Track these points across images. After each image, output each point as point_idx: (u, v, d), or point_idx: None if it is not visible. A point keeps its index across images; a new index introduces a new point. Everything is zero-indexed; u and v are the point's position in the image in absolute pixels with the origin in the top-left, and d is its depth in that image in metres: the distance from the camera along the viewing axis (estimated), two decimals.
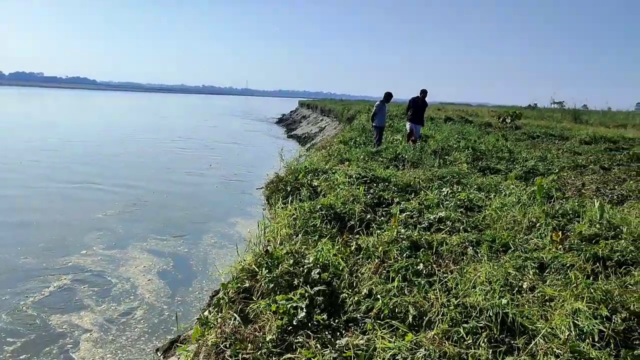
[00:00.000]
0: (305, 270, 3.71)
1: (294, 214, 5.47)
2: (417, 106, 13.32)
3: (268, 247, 4.23)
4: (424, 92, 13.43)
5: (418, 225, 5.54)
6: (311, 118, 57.32)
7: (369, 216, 5.81)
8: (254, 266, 3.90)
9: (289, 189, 7.96)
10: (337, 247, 4.47)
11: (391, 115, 25.18)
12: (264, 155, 25.64)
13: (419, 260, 4.26)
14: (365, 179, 7.83)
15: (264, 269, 3.84)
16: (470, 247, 4.92)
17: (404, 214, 5.89)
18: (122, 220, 12.07)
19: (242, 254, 4.50)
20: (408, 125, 13.54)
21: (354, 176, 7.76)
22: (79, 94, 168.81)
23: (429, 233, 5.24)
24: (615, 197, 7.93)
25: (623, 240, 4.93)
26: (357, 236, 4.95)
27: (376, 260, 4.18)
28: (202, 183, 17.48)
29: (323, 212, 5.58)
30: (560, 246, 4.99)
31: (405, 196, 6.98)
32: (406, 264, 4.14)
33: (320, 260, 3.91)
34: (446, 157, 11.06)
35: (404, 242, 4.69)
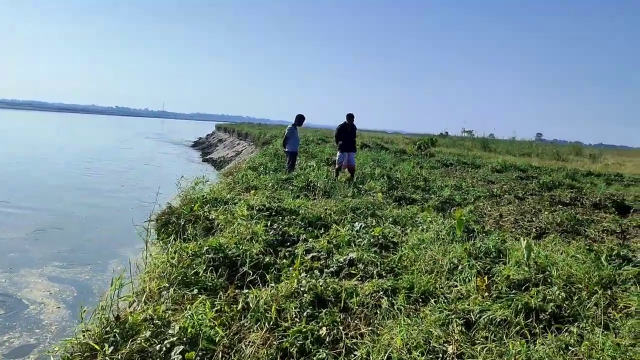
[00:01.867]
0: (165, 349, 2.67)
1: (172, 259, 4.39)
2: (347, 132, 11.98)
3: (120, 313, 3.14)
4: (350, 117, 12.11)
5: (325, 270, 4.66)
6: (228, 142, 55.84)
7: (267, 259, 4.86)
8: (93, 343, 2.81)
9: (182, 222, 6.86)
10: (219, 306, 3.47)
11: (306, 140, 24.58)
12: (172, 179, 23.88)
13: (322, 322, 3.34)
14: (270, 211, 6.89)
15: (108, 345, 2.76)
16: (385, 298, 4.10)
17: (310, 255, 5.00)
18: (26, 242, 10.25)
19: (94, 317, 3.37)
20: (339, 155, 11.95)
21: (256, 208, 6.79)
22: None
23: (337, 280, 4.37)
24: (533, 230, 7.55)
25: (555, 287, 4.33)
26: (247, 290, 3.95)
27: (266, 325, 3.22)
28: (107, 206, 15.59)
29: (210, 256, 4.55)
30: (486, 294, 4.31)
31: (314, 232, 6.11)
32: (305, 329, 3.21)
33: (190, 330, 2.89)
34: (361, 185, 10.40)
35: (305, 295, 3.77)
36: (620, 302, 4.32)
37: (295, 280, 3.95)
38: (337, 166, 11.84)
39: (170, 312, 3.22)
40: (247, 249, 4.95)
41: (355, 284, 4.32)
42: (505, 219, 8.33)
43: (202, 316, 3.10)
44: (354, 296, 3.99)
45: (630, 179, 17.86)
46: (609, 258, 5.75)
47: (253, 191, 8.76)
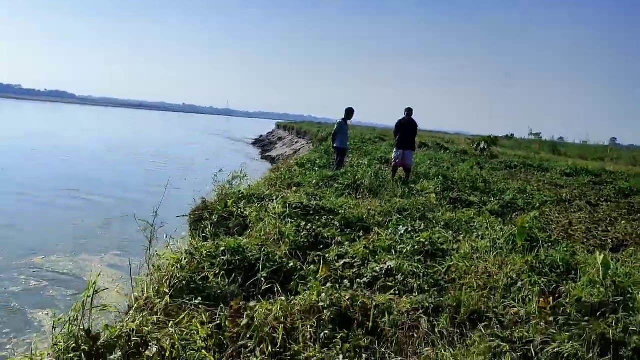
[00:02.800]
0: None
1: (183, 259, 3.89)
2: (404, 128, 11.00)
3: (92, 327, 2.64)
4: (409, 111, 11.09)
5: (357, 280, 4.02)
6: (287, 140, 55.92)
7: (292, 264, 4.26)
8: None
9: (215, 218, 6.41)
10: (220, 320, 2.91)
11: (362, 138, 23.90)
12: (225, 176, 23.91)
13: (339, 348, 2.72)
14: (307, 209, 6.31)
15: None
16: (425, 318, 3.42)
17: (342, 262, 4.37)
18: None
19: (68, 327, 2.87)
20: (395, 153, 11.01)
21: (292, 205, 6.24)
22: (56, 107, 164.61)
23: (368, 293, 3.72)
24: (609, 241, 6.56)
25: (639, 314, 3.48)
26: (256, 301, 3.35)
27: (269, 349, 2.63)
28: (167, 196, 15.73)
29: (226, 258, 4.01)
30: (551, 318, 3.52)
31: (352, 234, 5.47)
32: (318, 356, 2.59)
33: (169, 353, 2.35)
34: (413, 185, 9.63)
35: (325, 311, 3.15)
36: None
37: (316, 292, 3.34)
38: (392, 164, 11.08)
39: (158, 326, 2.69)
40: (270, 251, 4.39)
41: (391, 299, 3.65)
42: (576, 227, 7.34)
43: (189, 333, 2.55)
44: (386, 314, 3.33)
45: None
46: None
47: (294, 188, 8.21)
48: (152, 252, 4.41)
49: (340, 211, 6.31)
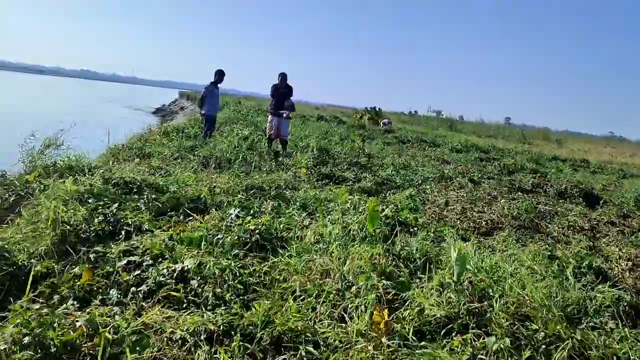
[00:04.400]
0: None
1: None
2: (279, 93, 9.79)
3: None
4: (282, 76, 9.86)
5: (134, 289, 2.87)
6: (189, 110, 53.12)
7: (55, 266, 3.00)
8: None
9: (11, 198, 4.96)
10: None
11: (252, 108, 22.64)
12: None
13: None
14: (131, 186, 5.04)
15: None
16: (204, 349, 2.36)
17: (126, 260, 3.19)
18: None
19: None
20: (269, 122, 9.97)
21: (113, 182, 4.93)
22: None
23: (130, 312, 2.59)
24: (483, 223, 5.92)
25: (493, 333, 2.65)
26: None
27: None
28: None
29: None
30: (384, 338, 2.60)
31: (170, 220, 4.29)
32: None
33: None
34: (287, 159, 8.59)
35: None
36: (595, 354, 2.70)
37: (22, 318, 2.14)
38: (267, 135, 9.94)
39: None
40: (29, 248, 3.11)
41: (166, 318, 2.55)
42: (452, 207, 6.68)
43: None
44: (140, 348, 2.22)
45: (596, 166, 16.60)
46: (576, 270, 4.17)
47: (137, 160, 6.84)
48: None
49: (172, 188, 5.10)
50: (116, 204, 4.25)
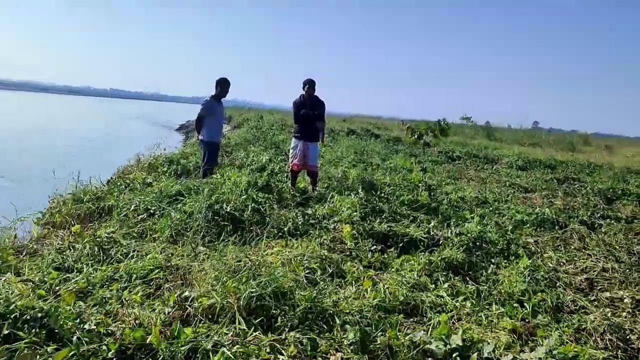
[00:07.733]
0: None
1: None
2: (306, 111, 6.89)
3: None
4: (309, 84, 6.91)
5: None
6: None
7: None
8: None
9: None
10: None
11: (273, 124, 20.06)
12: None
13: None
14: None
15: None
16: None
17: None
18: None
19: None
20: (293, 143, 7.10)
21: None
22: None
23: None
24: None
25: None
26: None
27: None
28: None
29: None
30: None
31: None
32: None
33: None
34: (317, 205, 5.89)
35: None
36: None
37: None
38: (289, 165, 7.17)
39: None
40: None
41: None
42: (600, 290, 3.91)
43: None
44: None
45: None
46: None
47: (76, 227, 4.21)
48: None
49: (78, 334, 2.47)
50: None
